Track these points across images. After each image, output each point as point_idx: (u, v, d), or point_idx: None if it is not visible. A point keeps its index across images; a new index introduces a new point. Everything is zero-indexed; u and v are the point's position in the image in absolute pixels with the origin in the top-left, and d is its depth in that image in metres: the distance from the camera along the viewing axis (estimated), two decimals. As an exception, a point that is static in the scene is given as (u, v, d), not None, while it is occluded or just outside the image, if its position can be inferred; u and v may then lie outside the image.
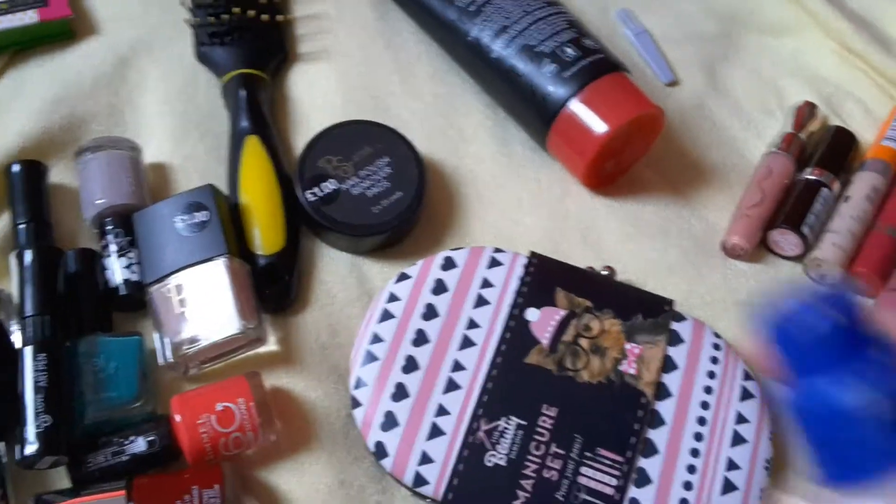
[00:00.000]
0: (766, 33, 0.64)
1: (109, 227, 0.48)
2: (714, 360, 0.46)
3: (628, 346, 0.46)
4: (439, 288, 0.47)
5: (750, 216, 0.53)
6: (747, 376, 0.46)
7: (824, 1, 0.62)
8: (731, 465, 0.43)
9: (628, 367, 0.45)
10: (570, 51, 0.53)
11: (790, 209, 0.53)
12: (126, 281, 0.46)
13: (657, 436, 0.44)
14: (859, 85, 0.61)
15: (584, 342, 0.46)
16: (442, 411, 0.43)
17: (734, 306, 0.51)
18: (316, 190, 0.50)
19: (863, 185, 0.54)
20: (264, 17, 0.57)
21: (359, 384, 0.44)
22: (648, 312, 0.47)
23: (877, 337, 0.20)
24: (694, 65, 0.61)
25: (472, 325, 0.46)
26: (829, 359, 0.19)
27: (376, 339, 0.45)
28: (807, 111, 0.57)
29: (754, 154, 0.57)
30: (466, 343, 0.45)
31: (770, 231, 0.53)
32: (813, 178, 0.54)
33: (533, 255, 0.49)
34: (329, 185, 0.50)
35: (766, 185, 0.54)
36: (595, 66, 0.52)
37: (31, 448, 0.39)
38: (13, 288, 0.44)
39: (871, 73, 0.61)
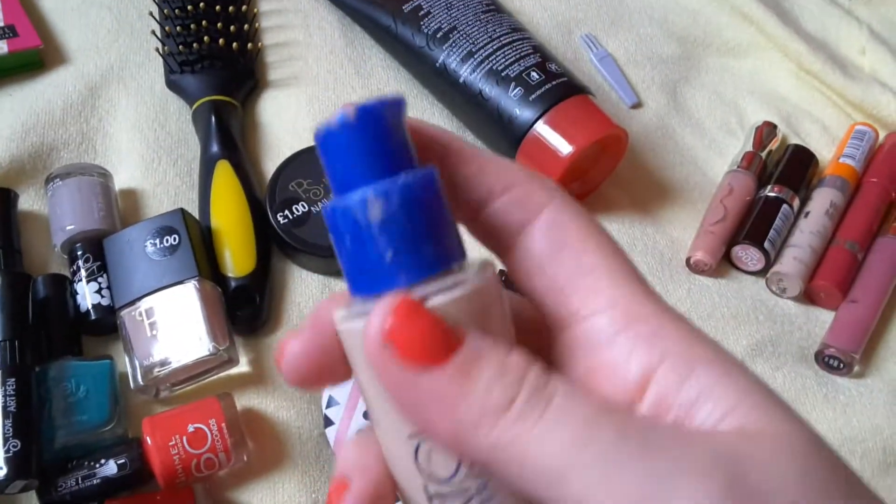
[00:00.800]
0: (726, 55, 0.66)
1: (79, 253, 0.48)
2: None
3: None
4: (410, 307, 0.47)
5: (713, 232, 0.54)
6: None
7: (781, 23, 0.64)
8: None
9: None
10: (535, 75, 0.54)
11: (752, 225, 0.54)
12: (96, 305, 0.46)
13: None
14: (817, 104, 0.63)
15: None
16: (413, 428, 0.44)
17: (699, 320, 0.52)
18: (287, 213, 0.51)
19: (822, 200, 0.55)
20: (235, 45, 0.58)
21: (331, 403, 0.44)
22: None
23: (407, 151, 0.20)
24: (656, 87, 0.63)
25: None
26: (355, 170, 0.19)
27: (348, 358, 0.45)
28: (766, 130, 0.59)
29: (716, 172, 0.59)
30: (437, 360, 0.46)
31: (733, 247, 0.54)
32: (773, 195, 0.55)
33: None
34: (300, 208, 0.51)
35: (728, 203, 0.55)
36: (559, 90, 0.53)
37: (0, 473, 0.39)
38: (-18, 314, 0.44)
39: (828, 92, 0.63)
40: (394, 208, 0.19)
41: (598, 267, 0.21)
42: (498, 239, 0.22)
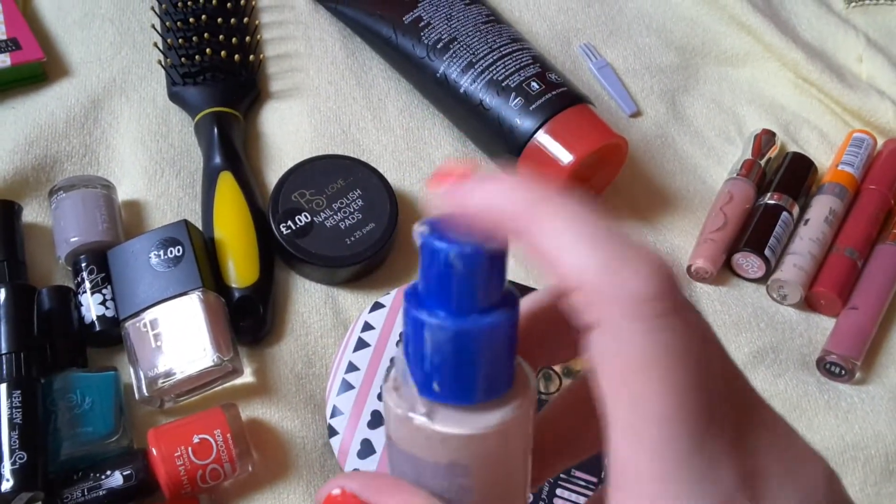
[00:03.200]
0: (725, 64, 0.66)
1: (83, 265, 0.48)
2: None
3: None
4: (413, 316, 0.48)
5: (713, 240, 0.54)
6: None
7: (779, 32, 0.64)
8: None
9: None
10: (535, 85, 0.54)
11: (752, 233, 0.54)
12: (100, 317, 0.46)
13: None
14: (815, 112, 0.64)
15: (555, 366, 0.46)
16: (418, 437, 0.44)
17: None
18: (290, 223, 0.51)
19: (821, 208, 0.56)
20: (236, 57, 0.58)
21: (335, 413, 0.45)
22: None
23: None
24: (656, 96, 0.63)
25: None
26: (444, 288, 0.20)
27: (352, 367, 0.46)
28: (765, 138, 0.59)
29: (716, 180, 0.59)
30: (440, 370, 0.46)
31: (733, 254, 0.54)
32: (773, 202, 0.56)
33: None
34: (302, 219, 0.51)
35: (728, 210, 0.56)
36: (560, 99, 0.54)
37: (6, 485, 0.39)
38: (-13, 326, 0.44)
39: (826, 100, 0.64)
40: (451, 346, 0.20)
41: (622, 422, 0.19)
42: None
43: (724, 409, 0.19)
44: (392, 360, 0.22)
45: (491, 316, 0.20)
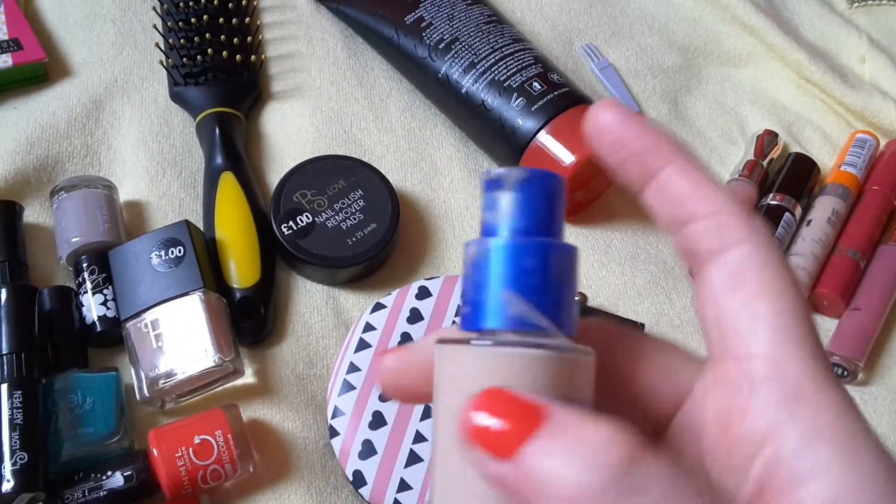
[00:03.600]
0: (727, 64, 0.66)
1: (85, 265, 0.48)
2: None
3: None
4: (414, 317, 0.47)
5: (716, 241, 0.54)
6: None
7: (781, 32, 0.64)
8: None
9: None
10: (537, 85, 0.54)
11: (755, 233, 0.54)
12: (101, 317, 0.46)
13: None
14: (818, 113, 0.64)
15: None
16: (419, 438, 0.44)
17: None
18: (291, 224, 0.51)
19: (823, 208, 0.56)
20: (238, 57, 0.58)
21: (336, 413, 0.44)
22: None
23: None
24: (658, 96, 0.63)
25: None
26: (513, 220, 0.21)
27: (353, 368, 0.46)
28: (767, 139, 0.59)
29: (718, 181, 0.59)
30: (442, 370, 0.46)
31: (736, 255, 0.54)
32: (775, 203, 0.56)
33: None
34: (304, 219, 0.51)
35: (730, 211, 0.55)
36: (562, 100, 0.54)
37: (7, 485, 0.39)
38: (-11, 326, 0.44)
39: (828, 101, 0.64)
40: (525, 264, 0.21)
41: (766, 317, 0.21)
42: (691, 259, 0.22)
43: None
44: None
45: (564, 245, 0.22)
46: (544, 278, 0.21)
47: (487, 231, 0.22)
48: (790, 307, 0.21)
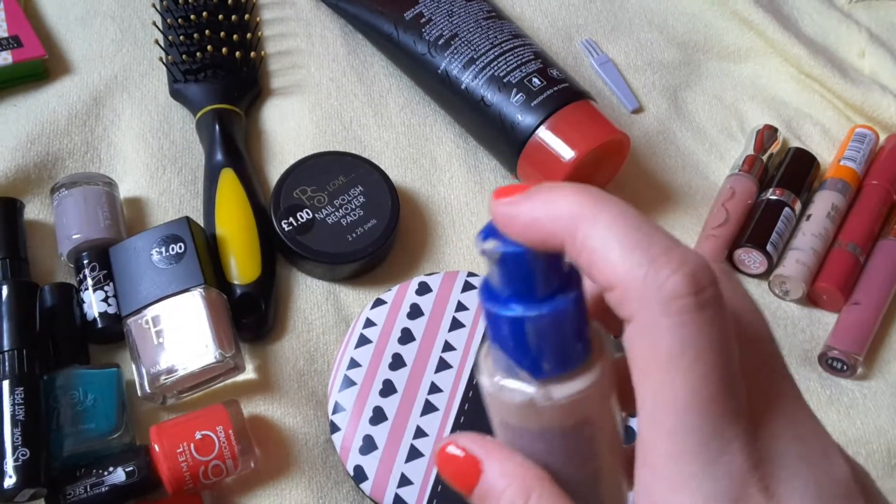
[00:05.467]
0: (726, 59, 0.66)
1: (85, 262, 0.48)
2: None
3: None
4: (415, 312, 0.48)
5: (716, 236, 0.54)
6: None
7: (780, 27, 0.64)
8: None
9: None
10: (536, 81, 0.54)
11: (754, 228, 0.54)
12: (103, 314, 0.46)
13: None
14: (817, 107, 0.64)
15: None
16: (420, 433, 0.44)
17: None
18: (291, 220, 0.51)
19: (823, 203, 0.56)
20: (238, 54, 0.58)
21: (337, 409, 0.45)
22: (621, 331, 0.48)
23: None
24: (657, 91, 0.63)
25: (448, 347, 0.47)
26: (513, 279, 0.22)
27: (353, 364, 0.46)
28: (767, 134, 0.59)
29: (718, 176, 0.59)
30: (443, 366, 0.46)
31: (735, 250, 0.54)
32: (775, 198, 0.56)
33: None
34: (304, 215, 0.51)
35: (730, 206, 0.55)
36: (561, 95, 0.54)
37: (9, 481, 0.39)
38: (-10, 323, 0.45)
39: (828, 95, 0.64)
40: (502, 330, 0.23)
41: (642, 400, 0.22)
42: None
43: (740, 399, 0.21)
44: (480, 364, 0.25)
45: (572, 291, 0.22)
46: (520, 340, 0.22)
47: (511, 294, 0.23)
48: (669, 384, 0.20)
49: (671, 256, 0.20)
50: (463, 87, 0.56)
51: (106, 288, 0.47)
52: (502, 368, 0.23)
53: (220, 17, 0.59)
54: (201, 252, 0.48)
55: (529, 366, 0.23)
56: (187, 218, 0.49)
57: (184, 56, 0.57)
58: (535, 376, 0.23)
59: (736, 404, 0.21)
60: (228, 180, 0.52)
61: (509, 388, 0.23)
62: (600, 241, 0.21)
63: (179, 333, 0.45)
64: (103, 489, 0.41)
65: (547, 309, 0.22)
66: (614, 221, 0.21)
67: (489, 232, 0.23)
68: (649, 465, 0.22)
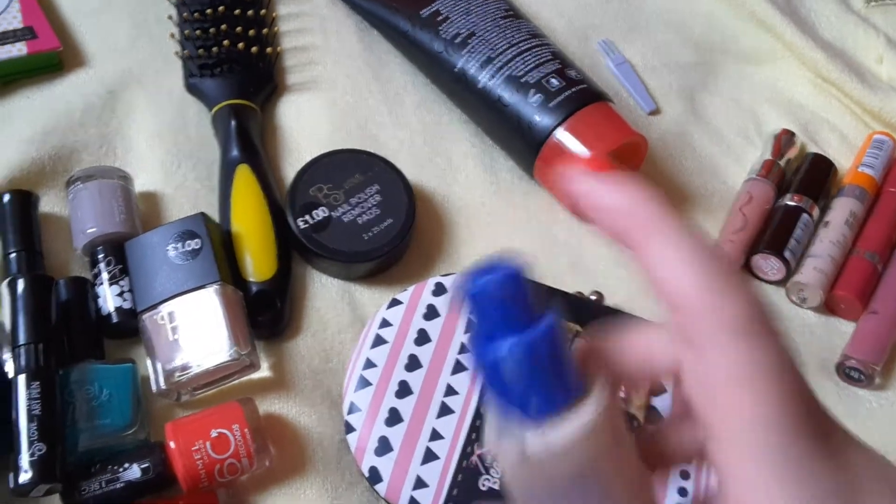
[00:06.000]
0: (744, 62, 0.66)
1: (101, 256, 0.48)
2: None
3: (618, 368, 0.46)
4: (431, 313, 0.47)
5: (733, 241, 0.54)
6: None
7: (799, 31, 0.64)
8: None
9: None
10: (554, 81, 0.54)
11: (772, 234, 0.54)
12: (118, 308, 0.46)
13: (648, 457, 0.44)
14: (835, 112, 0.63)
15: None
16: (436, 435, 0.44)
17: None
18: (307, 217, 0.51)
19: (841, 210, 0.55)
20: (253, 49, 0.58)
21: (352, 409, 0.44)
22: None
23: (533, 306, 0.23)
24: (674, 93, 0.63)
25: (464, 349, 0.46)
26: (493, 319, 0.22)
27: (369, 364, 0.45)
28: (785, 138, 0.59)
29: (735, 180, 0.59)
30: (459, 367, 0.46)
31: (753, 256, 0.54)
32: (793, 203, 0.55)
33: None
34: (320, 213, 0.51)
35: (747, 211, 0.55)
36: (579, 96, 0.53)
37: (25, 476, 0.39)
38: (5, 317, 0.44)
39: (846, 100, 0.63)
40: (518, 360, 0.22)
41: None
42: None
43: (816, 421, 0.21)
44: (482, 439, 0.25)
45: (549, 317, 0.22)
46: (503, 378, 0.22)
47: (492, 335, 0.23)
48: (747, 403, 0.20)
49: (737, 284, 0.21)
50: (480, 86, 0.55)
51: (121, 283, 0.47)
52: (498, 430, 0.23)
53: (236, 11, 0.59)
54: (217, 248, 0.47)
55: (519, 403, 0.22)
56: (203, 214, 0.48)
57: (200, 50, 0.57)
58: (525, 415, 0.22)
59: (814, 425, 0.21)
60: (244, 176, 0.52)
61: (506, 443, 0.23)
62: (673, 260, 0.21)
63: (195, 330, 0.44)
64: (118, 485, 0.41)
65: (526, 337, 0.22)
66: (685, 241, 0.21)
67: (462, 280, 0.23)
68: (732, 490, 0.21)
